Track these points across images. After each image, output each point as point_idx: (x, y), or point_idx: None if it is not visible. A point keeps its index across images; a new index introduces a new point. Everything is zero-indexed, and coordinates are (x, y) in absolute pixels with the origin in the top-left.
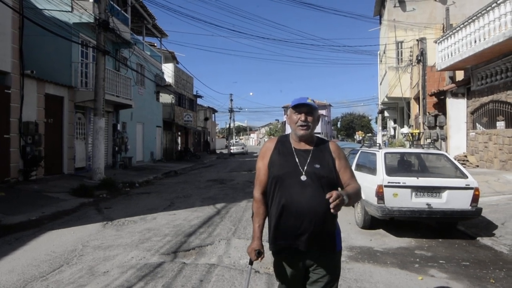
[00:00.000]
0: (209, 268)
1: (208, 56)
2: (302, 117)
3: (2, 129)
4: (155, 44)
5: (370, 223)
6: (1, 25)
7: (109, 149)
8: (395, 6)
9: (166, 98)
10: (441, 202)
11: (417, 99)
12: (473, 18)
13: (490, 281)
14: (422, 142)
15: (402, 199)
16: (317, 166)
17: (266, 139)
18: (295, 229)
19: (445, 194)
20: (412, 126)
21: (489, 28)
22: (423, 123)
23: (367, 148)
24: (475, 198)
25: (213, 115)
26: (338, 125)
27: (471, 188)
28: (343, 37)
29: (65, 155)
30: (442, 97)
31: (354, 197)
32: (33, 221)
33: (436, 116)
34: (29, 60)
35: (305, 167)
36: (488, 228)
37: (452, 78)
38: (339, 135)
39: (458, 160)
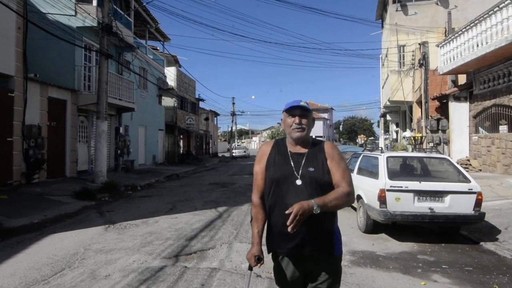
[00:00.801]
0: (210, 272)
1: (210, 60)
2: (296, 119)
3: (5, 132)
4: (158, 48)
5: (373, 227)
6: (5, 29)
7: (112, 152)
8: (397, 10)
9: (168, 101)
10: (443, 206)
11: (419, 102)
12: (475, 22)
13: (493, 286)
14: (424, 146)
15: (405, 204)
16: (311, 169)
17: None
18: (290, 234)
19: (447, 198)
20: (415, 130)
21: (491, 32)
22: (426, 127)
23: (369, 152)
24: (478, 203)
25: (215, 118)
26: (340, 129)
27: (474, 193)
28: (345, 41)
29: (68, 158)
30: (445, 101)
31: (334, 203)
32: (35, 224)
33: (438, 120)
34: (32, 64)
35: (300, 171)
36: (491, 232)
37: (455, 82)
38: (341, 139)
39: (460, 164)
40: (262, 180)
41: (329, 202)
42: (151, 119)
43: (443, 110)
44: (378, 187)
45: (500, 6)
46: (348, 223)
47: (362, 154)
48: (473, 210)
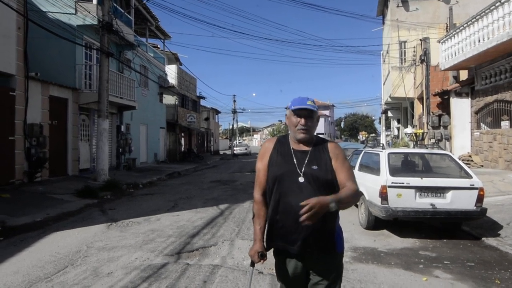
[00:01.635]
0: (212, 269)
1: (211, 57)
2: (302, 121)
3: (7, 131)
4: (158, 46)
5: (374, 223)
6: (6, 28)
7: (113, 150)
8: (398, 6)
9: (169, 99)
10: (445, 202)
11: (420, 99)
12: (476, 18)
13: (495, 281)
14: (426, 142)
15: (406, 200)
16: (315, 167)
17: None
18: (291, 231)
19: (449, 194)
20: (416, 126)
21: (493, 27)
22: (427, 123)
23: (370, 149)
24: (480, 198)
25: (216, 116)
26: (342, 125)
27: (476, 188)
28: (345, 37)
29: (70, 157)
30: (446, 96)
31: (347, 201)
32: (37, 222)
33: (440, 116)
34: (33, 62)
35: (303, 169)
36: (493, 228)
37: (456, 78)
38: (342, 136)
39: (462, 160)
40: (264, 177)
41: (343, 199)
42: (152, 117)
43: (445, 106)
44: (379, 183)
45: (502, 1)
46: (350, 220)
47: (363, 151)
48: (475, 206)
